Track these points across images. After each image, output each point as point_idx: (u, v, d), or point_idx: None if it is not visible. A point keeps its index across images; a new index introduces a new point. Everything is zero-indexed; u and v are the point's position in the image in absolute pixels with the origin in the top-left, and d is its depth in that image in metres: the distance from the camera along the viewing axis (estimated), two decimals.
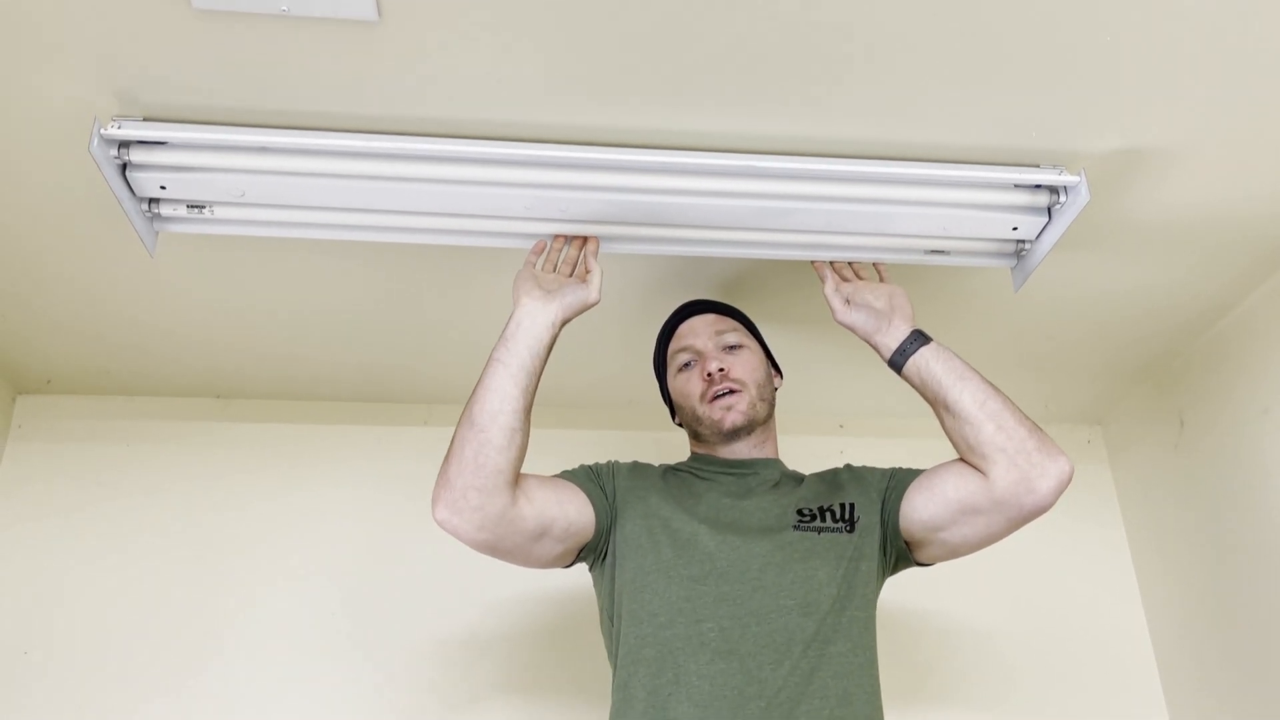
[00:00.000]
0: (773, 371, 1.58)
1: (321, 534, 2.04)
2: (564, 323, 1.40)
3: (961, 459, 1.36)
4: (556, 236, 1.51)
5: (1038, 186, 1.50)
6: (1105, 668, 2.10)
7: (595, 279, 1.43)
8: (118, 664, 1.89)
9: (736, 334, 1.54)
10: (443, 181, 1.43)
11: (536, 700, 1.93)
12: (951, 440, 1.37)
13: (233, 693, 1.89)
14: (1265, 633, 1.82)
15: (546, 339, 1.36)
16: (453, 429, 1.31)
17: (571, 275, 1.48)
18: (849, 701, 1.24)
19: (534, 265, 1.47)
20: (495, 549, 1.31)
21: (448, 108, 1.38)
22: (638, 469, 1.48)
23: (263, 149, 1.39)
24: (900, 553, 1.40)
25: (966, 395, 1.34)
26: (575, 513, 1.36)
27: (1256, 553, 1.85)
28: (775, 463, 1.51)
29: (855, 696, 1.25)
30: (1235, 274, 1.80)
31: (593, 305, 1.42)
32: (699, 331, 1.54)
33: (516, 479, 1.30)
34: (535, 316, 1.36)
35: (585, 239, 1.51)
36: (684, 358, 1.53)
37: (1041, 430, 1.33)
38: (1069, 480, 1.29)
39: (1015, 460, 1.29)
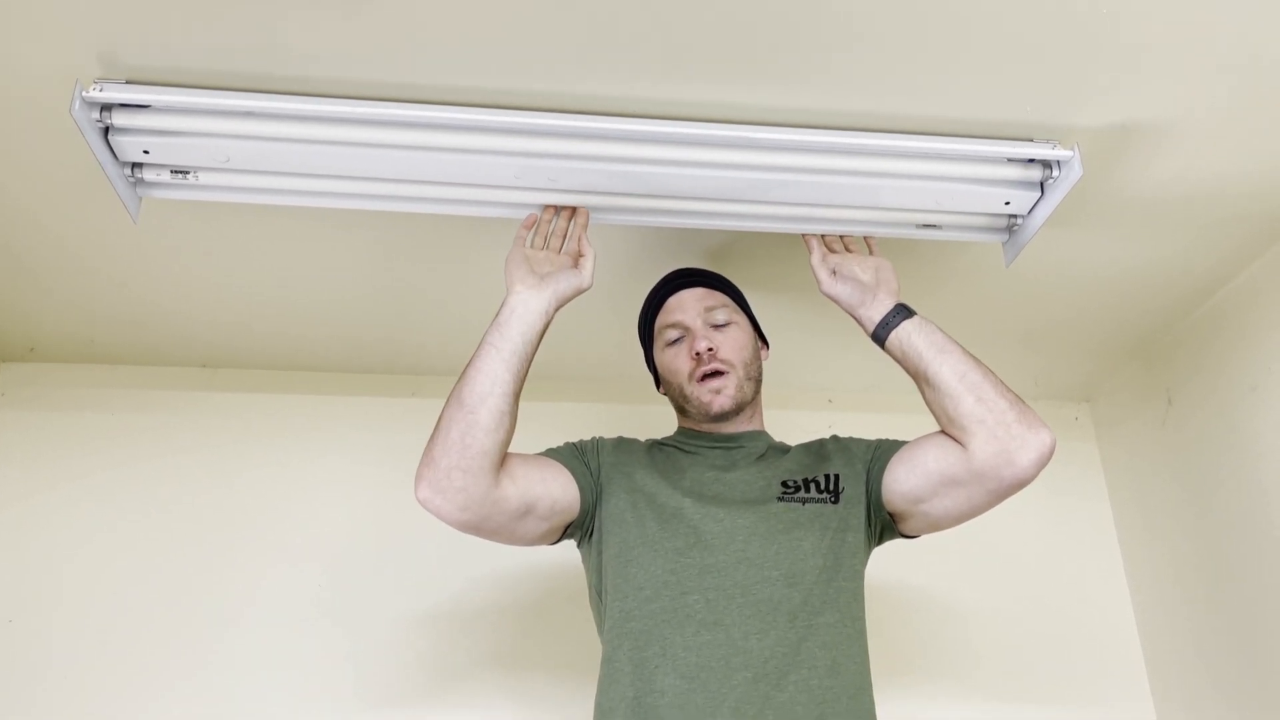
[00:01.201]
0: (760, 345, 1.58)
1: (308, 505, 2.04)
2: (557, 309, 1.39)
3: (943, 431, 1.36)
4: (546, 207, 1.50)
5: (1031, 161, 1.49)
6: (1089, 644, 2.11)
7: (588, 264, 1.43)
8: (100, 633, 1.89)
9: (725, 310, 1.52)
10: (431, 149, 1.41)
11: (523, 674, 1.94)
12: (933, 413, 1.37)
13: (216, 662, 1.89)
14: (1250, 610, 1.84)
15: (540, 326, 1.36)
16: (441, 401, 1.31)
17: (562, 249, 1.47)
18: (837, 672, 1.24)
19: (525, 242, 1.46)
20: (479, 529, 1.31)
21: (436, 73, 1.36)
22: (622, 444, 1.48)
23: (248, 114, 1.37)
24: (885, 524, 1.40)
25: (946, 368, 1.34)
26: (559, 491, 1.36)
27: (1242, 531, 1.86)
28: (761, 435, 1.51)
29: (844, 667, 1.26)
30: (1226, 251, 1.80)
31: (585, 290, 1.42)
32: (688, 307, 1.53)
33: (502, 461, 1.30)
34: (528, 304, 1.36)
35: (574, 210, 1.50)
36: (672, 334, 1.52)
37: (1024, 403, 1.32)
38: (1050, 453, 1.28)
39: (995, 432, 1.28)
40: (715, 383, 1.45)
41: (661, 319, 1.55)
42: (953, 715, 2.01)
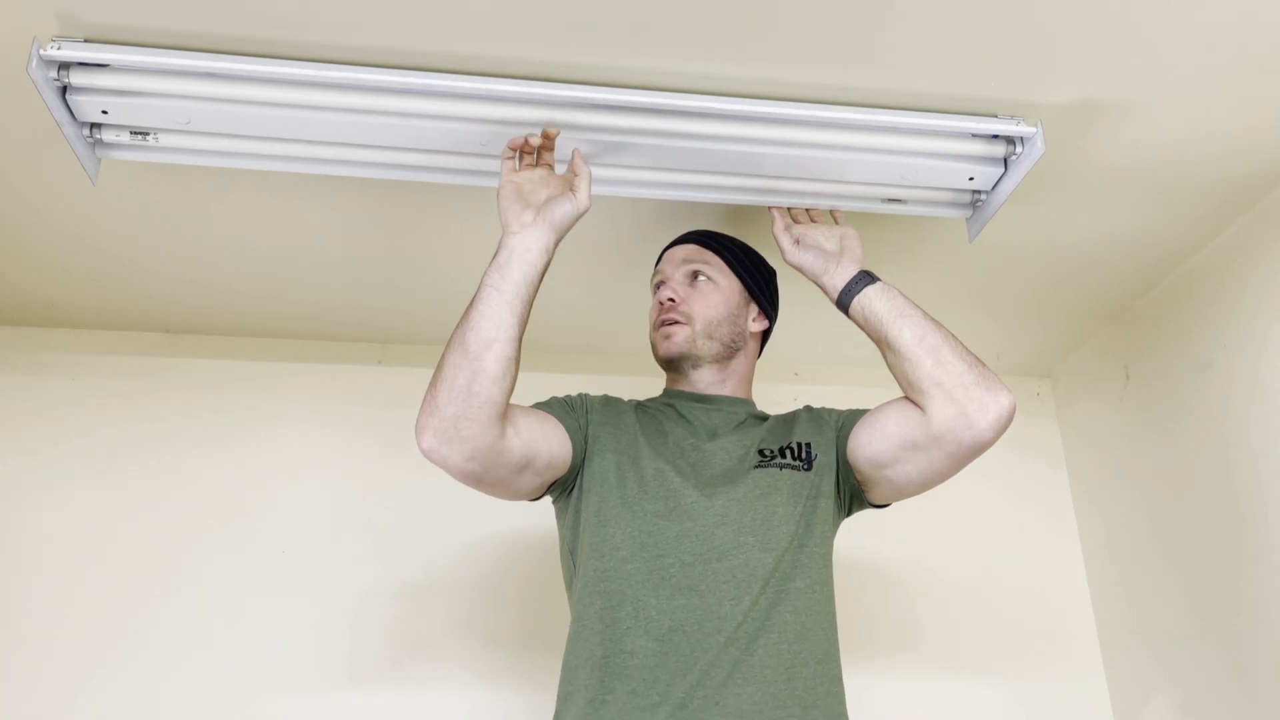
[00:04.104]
0: (754, 311, 1.55)
1: (271, 473, 2.03)
2: (558, 242, 1.34)
3: (907, 397, 1.37)
4: (527, 138, 1.38)
5: (995, 136, 1.50)
6: (1044, 616, 2.15)
7: (583, 185, 1.36)
8: (58, 599, 1.87)
9: (709, 268, 1.52)
10: (395, 114, 1.40)
11: (489, 643, 1.95)
12: (896, 378, 1.37)
13: (179, 630, 1.88)
14: (1202, 584, 1.87)
15: (541, 265, 1.31)
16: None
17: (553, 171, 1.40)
18: (806, 637, 1.26)
19: (513, 168, 1.38)
20: (480, 480, 1.28)
21: (404, 37, 1.35)
22: (609, 403, 1.47)
23: (209, 75, 1.35)
24: (854, 491, 1.41)
25: (907, 331, 1.34)
26: (557, 446, 1.35)
27: (1195, 506, 1.89)
28: (743, 402, 1.51)
29: (812, 632, 1.27)
30: (1185, 228, 1.82)
31: (585, 213, 1.36)
32: (674, 259, 1.55)
33: (507, 410, 1.27)
34: (525, 242, 1.30)
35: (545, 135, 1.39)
36: (655, 280, 1.56)
37: (984, 366, 1.31)
38: (1010, 416, 1.28)
39: (952, 395, 1.28)
40: (668, 329, 1.47)
41: (655, 270, 1.58)
42: (905, 682, 2.04)
